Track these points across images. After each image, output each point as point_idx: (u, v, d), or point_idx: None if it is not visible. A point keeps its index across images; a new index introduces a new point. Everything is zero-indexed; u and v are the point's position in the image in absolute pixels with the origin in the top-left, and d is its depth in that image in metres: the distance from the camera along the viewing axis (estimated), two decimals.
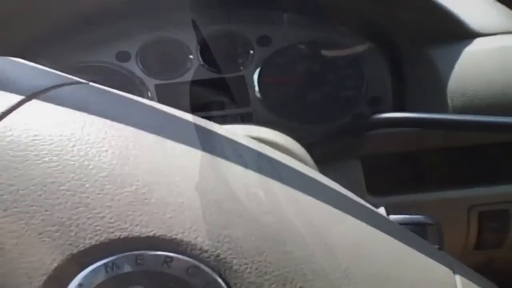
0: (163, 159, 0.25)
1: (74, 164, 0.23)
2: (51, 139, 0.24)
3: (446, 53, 0.52)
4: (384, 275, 0.24)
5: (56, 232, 0.21)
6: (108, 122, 0.26)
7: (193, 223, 0.23)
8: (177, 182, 0.24)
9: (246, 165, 0.27)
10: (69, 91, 0.28)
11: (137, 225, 0.22)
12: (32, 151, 0.23)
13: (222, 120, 0.68)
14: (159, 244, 0.22)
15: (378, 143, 0.57)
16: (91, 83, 0.30)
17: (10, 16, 0.54)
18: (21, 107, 0.25)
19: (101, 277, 0.21)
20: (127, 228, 0.22)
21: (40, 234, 0.21)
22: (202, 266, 0.22)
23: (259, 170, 0.27)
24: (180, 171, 0.25)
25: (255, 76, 0.67)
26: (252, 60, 0.66)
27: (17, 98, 0.25)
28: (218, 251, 0.22)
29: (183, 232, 0.22)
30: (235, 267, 0.22)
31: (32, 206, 0.22)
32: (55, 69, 0.66)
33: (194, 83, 0.67)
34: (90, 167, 0.23)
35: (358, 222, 0.26)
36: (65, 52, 0.64)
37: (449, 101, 0.51)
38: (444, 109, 0.53)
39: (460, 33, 0.53)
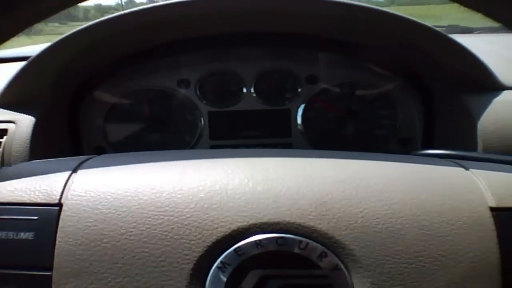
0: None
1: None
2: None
3: (481, 101, 0.59)
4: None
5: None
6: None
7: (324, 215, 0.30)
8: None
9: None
10: (97, 161, 0.35)
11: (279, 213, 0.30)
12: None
13: (264, 148, 0.74)
14: (296, 230, 0.29)
15: None
16: (106, 154, 0.38)
17: (88, 47, 0.60)
18: (73, 177, 0.32)
19: (254, 251, 0.29)
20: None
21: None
22: (330, 252, 0.29)
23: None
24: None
25: (300, 110, 0.74)
26: (299, 96, 0.73)
27: (66, 173, 0.32)
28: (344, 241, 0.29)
29: (316, 221, 0.29)
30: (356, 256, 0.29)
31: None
32: (122, 90, 0.72)
33: (244, 112, 0.74)
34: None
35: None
36: (132, 76, 0.70)
37: (481, 143, 0.58)
38: (475, 150, 0.60)
39: (492, 85, 0.61)
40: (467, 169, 0.35)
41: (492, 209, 0.31)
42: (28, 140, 0.54)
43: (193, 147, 0.74)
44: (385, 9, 0.60)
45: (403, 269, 0.28)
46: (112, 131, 0.72)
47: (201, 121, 0.73)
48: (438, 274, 0.29)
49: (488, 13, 0.32)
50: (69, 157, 0.36)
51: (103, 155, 0.37)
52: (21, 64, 0.58)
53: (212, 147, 0.74)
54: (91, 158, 0.35)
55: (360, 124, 0.74)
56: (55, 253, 0.28)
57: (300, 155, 0.36)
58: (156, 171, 0.33)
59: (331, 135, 0.75)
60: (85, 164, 0.34)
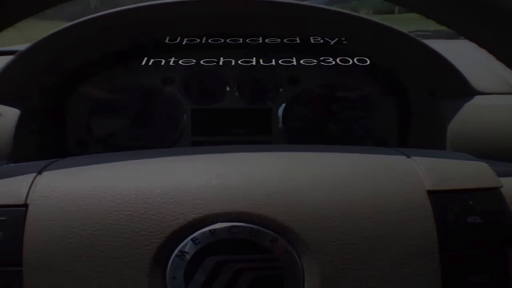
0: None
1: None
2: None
3: (452, 106, 0.61)
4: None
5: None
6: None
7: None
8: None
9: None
10: (60, 164, 0.37)
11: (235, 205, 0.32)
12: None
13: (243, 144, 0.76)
14: (247, 219, 0.32)
15: None
16: (69, 157, 0.40)
17: (75, 44, 0.62)
18: (38, 178, 0.34)
19: (209, 239, 0.31)
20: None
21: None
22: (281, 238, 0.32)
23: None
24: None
25: (281, 110, 0.76)
26: (281, 96, 0.76)
27: (31, 176, 0.34)
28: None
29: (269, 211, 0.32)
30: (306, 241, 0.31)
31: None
32: (108, 86, 0.74)
33: (226, 110, 0.76)
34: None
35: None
36: (118, 72, 0.73)
37: (450, 146, 0.61)
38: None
39: (464, 90, 0.63)
40: (409, 156, 0.38)
41: (429, 192, 0.34)
42: (13, 133, 0.56)
43: (175, 143, 0.76)
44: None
45: (347, 250, 0.31)
46: (97, 126, 0.74)
47: (184, 118, 0.75)
48: (380, 252, 0.32)
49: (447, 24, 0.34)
50: (34, 161, 0.38)
51: (67, 158, 0.40)
52: (8, 58, 0.60)
53: (194, 143, 0.76)
54: (55, 161, 0.37)
55: (339, 124, 0.77)
56: (24, 250, 0.31)
57: (256, 150, 0.38)
58: (116, 171, 0.35)
59: (310, 134, 0.77)
60: (49, 166, 0.36)
